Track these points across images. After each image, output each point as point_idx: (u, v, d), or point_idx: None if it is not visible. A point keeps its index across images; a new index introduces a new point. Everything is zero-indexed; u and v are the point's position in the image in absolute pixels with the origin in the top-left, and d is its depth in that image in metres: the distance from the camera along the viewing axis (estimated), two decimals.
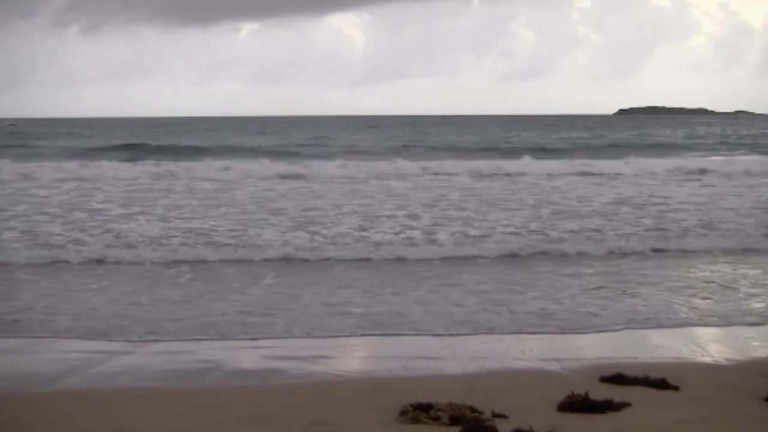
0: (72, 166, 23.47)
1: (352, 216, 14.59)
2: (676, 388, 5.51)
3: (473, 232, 12.80)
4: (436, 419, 4.82)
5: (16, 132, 57.43)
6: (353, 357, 6.85)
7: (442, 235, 12.51)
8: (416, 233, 12.72)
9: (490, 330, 7.46)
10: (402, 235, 12.62)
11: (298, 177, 21.90)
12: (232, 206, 16.00)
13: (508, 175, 22.36)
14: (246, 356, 6.65)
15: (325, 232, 12.81)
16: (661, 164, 24.73)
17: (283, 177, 21.74)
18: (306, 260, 11.02)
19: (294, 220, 14.14)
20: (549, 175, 22.36)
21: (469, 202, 16.70)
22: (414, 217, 14.42)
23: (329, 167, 23.78)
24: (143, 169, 23.01)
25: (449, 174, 22.39)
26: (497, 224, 13.56)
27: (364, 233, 12.75)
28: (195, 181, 20.74)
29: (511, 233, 12.80)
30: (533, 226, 13.50)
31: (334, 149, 39.11)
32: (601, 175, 22.54)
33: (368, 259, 11.07)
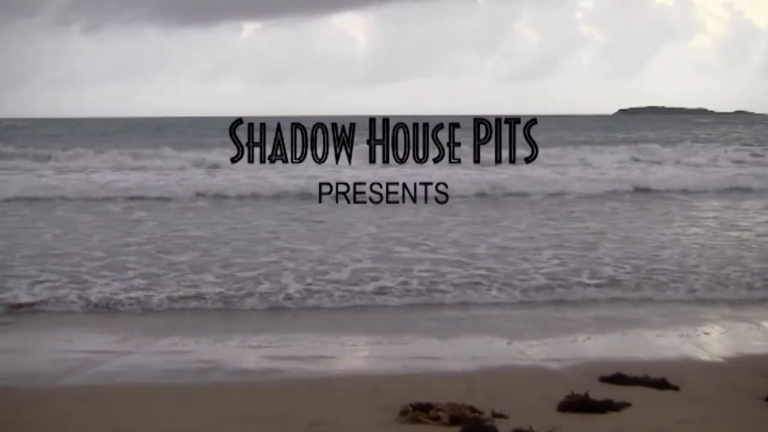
0: None
1: None
2: (676, 388, 5.51)
3: None
4: (436, 419, 4.82)
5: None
6: (353, 357, 6.85)
7: None
8: None
9: None
10: None
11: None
12: None
13: None
14: (246, 356, 6.65)
15: None
16: None
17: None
18: None
19: None
20: None
21: None
22: None
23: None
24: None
25: None
26: None
27: None
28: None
29: None
30: None
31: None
32: None
33: None
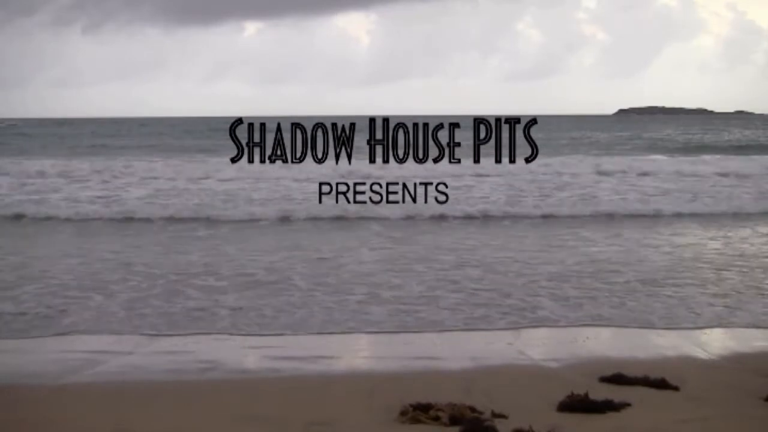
0: None
1: None
2: (676, 388, 5.52)
3: None
4: (436, 419, 4.82)
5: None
6: (352, 356, 6.86)
7: None
8: None
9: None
10: None
11: None
12: None
13: None
14: (245, 356, 6.66)
15: None
16: None
17: None
18: None
19: None
20: None
21: None
22: None
23: None
24: None
25: None
26: None
27: None
28: None
29: None
30: None
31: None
32: None
33: None
